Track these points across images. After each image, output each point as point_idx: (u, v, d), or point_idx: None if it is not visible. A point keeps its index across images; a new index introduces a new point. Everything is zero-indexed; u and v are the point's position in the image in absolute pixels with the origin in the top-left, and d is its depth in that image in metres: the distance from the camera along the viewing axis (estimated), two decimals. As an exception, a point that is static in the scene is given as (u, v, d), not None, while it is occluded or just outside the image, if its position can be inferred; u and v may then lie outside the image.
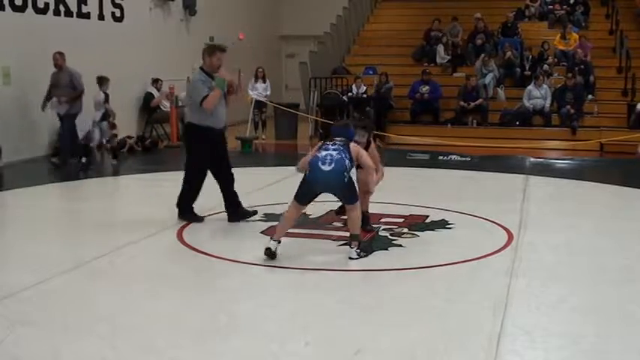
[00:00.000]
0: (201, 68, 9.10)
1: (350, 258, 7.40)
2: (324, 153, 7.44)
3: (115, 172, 14.24)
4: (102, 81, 15.47)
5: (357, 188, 7.57)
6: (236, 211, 9.36)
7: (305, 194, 7.55)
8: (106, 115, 15.45)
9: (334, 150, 7.44)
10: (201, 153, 9.18)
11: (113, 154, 15.18)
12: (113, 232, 8.83)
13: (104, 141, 15.57)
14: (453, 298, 6.35)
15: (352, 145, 7.64)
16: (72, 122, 14.07)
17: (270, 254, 7.31)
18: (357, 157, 7.58)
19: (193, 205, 9.34)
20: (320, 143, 7.74)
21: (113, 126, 15.67)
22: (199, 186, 9.36)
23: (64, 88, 13.96)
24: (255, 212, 9.46)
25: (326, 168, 7.33)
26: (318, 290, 6.61)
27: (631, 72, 18.87)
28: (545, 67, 19.63)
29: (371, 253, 7.54)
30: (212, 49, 9.12)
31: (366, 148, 8.17)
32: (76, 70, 14.13)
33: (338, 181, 7.37)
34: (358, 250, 7.44)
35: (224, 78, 9.01)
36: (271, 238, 7.43)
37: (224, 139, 9.49)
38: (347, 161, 7.39)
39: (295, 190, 7.55)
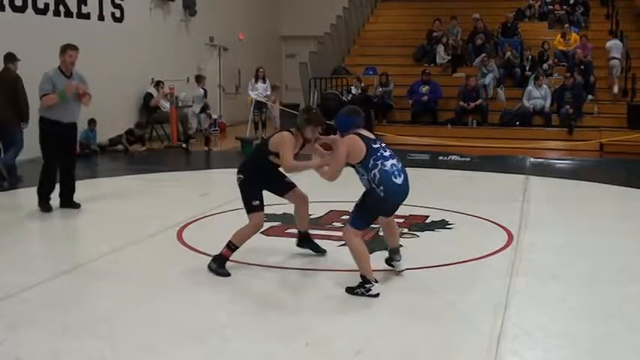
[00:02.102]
0: (59, 66, 9.85)
1: (402, 270, 6.99)
2: (388, 163, 6.42)
3: (116, 172, 14.24)
4: (199, 79, 19.03)
5: None
6: (66, 201, 9.99)
7: (376, 215, 6.75)
8: (205, 108, 18.44)
9: (392, 157, 6.52)
10: (51, 144, 9.76)
11: (206, 143, 17.50)
12: (113, 232, 8.83)
13: (202, 129, 18.47)
14: (453, 299, 6.35)
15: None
16: None
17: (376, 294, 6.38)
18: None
19: (50, 196, 9.95)
20: (359, 143, 6.51)
21: (210, 117, 18.57)
22: (54, 176, 9.99)
23: None
24: (79, 205, 9.95)
25: (399, 181, 6.44)
26: (318, 290, 6.62)
27: (631, 72, 18.87)
28: (545, 66, 19.65)
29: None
30: (63, 48, 9.90)
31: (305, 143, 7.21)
32: None
33: (408, 192, 6.65)
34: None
35: (66, 91, 9.61)
36: (368, 283, 6.37)
37: (73, 132, 10.04)
38: None
39: (356, 215, 6.56)
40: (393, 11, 25.23)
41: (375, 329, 5.64)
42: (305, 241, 7.77)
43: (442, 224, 9.19)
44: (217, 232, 8.92)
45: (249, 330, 5.61)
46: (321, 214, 9.51)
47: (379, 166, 6.38)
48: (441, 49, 21.28)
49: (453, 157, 15.48)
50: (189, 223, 9.09)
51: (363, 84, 19.46)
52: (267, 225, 8.93)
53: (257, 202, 7.09)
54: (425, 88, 19.05)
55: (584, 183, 12.62)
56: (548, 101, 18.15)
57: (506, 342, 5.36)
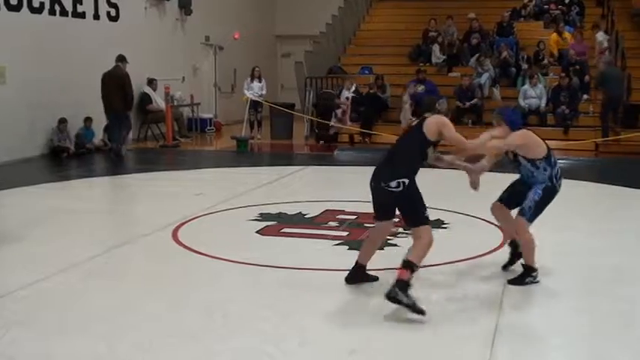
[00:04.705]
0: None
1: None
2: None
3: (111, 172, 14.23)
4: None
5: None
6: None
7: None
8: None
9: None
10: None
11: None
12: (109, 231, 8.82)
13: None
14: (447, 298, 6.35)
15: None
16: None
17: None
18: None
19: None
20: (539, 139, 6.81)
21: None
22: None
23: None
24: None
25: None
26: (313, 290, 6.61)
27: (626, 72, 18.87)
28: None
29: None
30: None
31: None
32: None
33: None
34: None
35: None
36: (534, 271, 6.73)
37: None
38: None
39: (534, 209, 6.71)
40: (389, 11, 25.20)
41: (369, 329, 5.64)
42: (358, 273, 6.74)
43: (437, 224, 9.16)
44: (212, 231, 8.95)
45: (244, 330, 5.60)
46: (317, 214, 9.51)
47: (558, 164, 6.79)
48: (436, 48, 21.26)
49: (447, 157, 15.43)
50: (185, 223, 9.08)
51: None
52: (262, 224, 8.95)
53: (428, 213, 6.35)
54: (420, 88, 19.02)
55: (580, 183, 12.60)
56: (544, 101, 18.14)
57: (502, 342, 5.36)
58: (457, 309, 6.06)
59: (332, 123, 18.28)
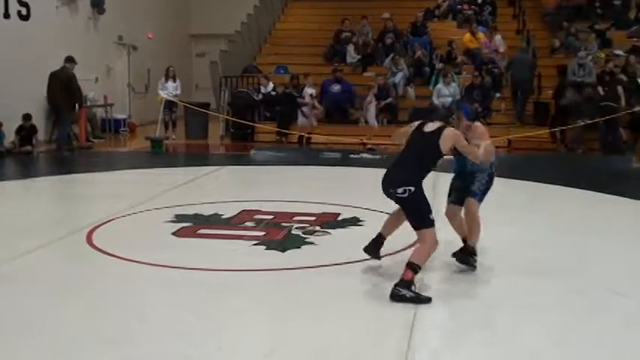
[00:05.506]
0: None
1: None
2: None
3: (22, 175, 13.95)
4: None
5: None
6: None
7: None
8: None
9: None
10: None
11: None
12: (21, 235, 8.61)
13: None
14: (366, 295, 6.40)
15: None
16: None
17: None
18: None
19: None
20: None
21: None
22: None
23: None
24: None
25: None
26: (230, 291, 6.56)
27: (537, 70, 19.28)
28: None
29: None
30: None
31: None
32: None
33: None
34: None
35: None
36: (476, 255, 7.17)
37: None
38: None
39: (482, 192, 7.25)
40: (304, 10, 25.27)
41: (288, 329, 5.64)
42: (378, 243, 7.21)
43: (354, 221, 9.24)
44: (127, 233, 8.83)
45: (161, 334, 5.53)
46: (233, 214, 9.47)
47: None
48: (351, 48, 21.38)
49: (364, 156, 15.64)
50: (99, 226, 8.92)
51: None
52: (178, 226, 8.87)
53: (433, 217, 6.57)
54: (337, 87, 19.10)
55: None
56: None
57: (419, 337, 5.41)
58: (375, 305, 6.09)
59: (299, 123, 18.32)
